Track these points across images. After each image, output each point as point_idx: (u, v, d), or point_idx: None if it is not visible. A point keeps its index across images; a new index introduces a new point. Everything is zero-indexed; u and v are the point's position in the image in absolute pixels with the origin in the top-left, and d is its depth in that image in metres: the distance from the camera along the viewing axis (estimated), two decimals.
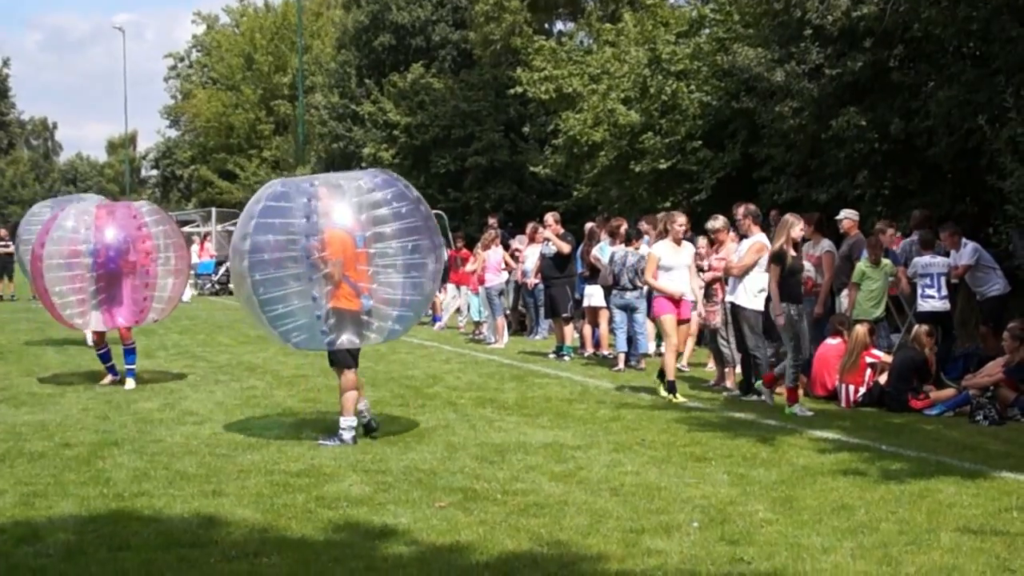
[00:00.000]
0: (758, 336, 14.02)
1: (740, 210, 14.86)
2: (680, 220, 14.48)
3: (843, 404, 13.52)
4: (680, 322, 14.21)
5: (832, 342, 14.27)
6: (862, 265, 14.73)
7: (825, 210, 17.65)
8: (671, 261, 14.16)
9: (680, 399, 13.69)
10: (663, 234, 14.55)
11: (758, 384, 13.92)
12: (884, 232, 16.07)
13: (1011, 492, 8.77)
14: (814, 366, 14.24)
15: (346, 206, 10.69)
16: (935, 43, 19.05)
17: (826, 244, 15.36)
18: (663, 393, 13.93)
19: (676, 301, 14.03)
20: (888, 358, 13.78)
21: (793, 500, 8.52)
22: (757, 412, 12.90)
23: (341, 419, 10.90)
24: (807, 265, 15.06)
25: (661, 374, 14.17)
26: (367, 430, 11.21)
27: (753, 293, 13.90)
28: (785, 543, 7.30)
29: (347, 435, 10.83)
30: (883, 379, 13.47)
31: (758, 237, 14.27)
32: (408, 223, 10.73)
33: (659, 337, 17.96)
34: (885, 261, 14.87)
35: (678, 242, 14.36)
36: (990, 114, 16.79)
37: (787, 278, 12.91)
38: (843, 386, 13.66)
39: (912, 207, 18.12)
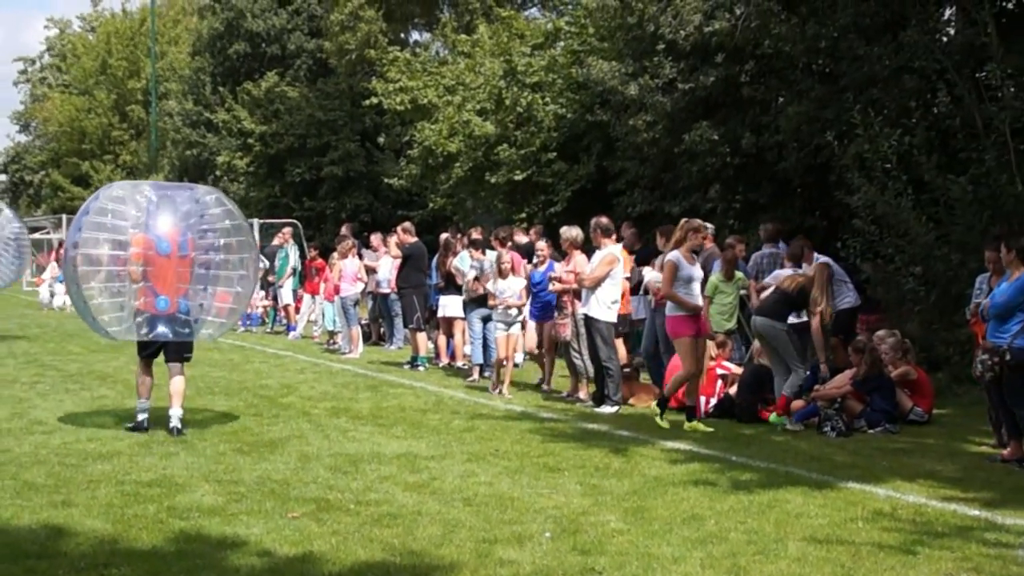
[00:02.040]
0: (611, 347, 14.12)
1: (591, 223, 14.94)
2: (703, 230, 13.64)
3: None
4: (699, 337, 12.96)
5: None
6: (715, 279, 14.84)
7: (678, 223, 17.81)
8: (691, 272, 12.93)
9: (705, 428, 12.59)
10: (679, 243, 13.12)
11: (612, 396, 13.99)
12: (735, 247, 16.29)
13: (856, 502, 8.95)
14: (667, 377, 14.38)
15: (132, 210, 11.40)
16: (785, 60, 19.49)
17: None
18: (685, 425, 12.64)
19: (695, 317, 12.89)
20: (738, 370, 13.98)
21: (645, 510, 8.59)
22: (610, 423, 12.99)
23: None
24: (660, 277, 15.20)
25: (661, 402, 13.02)
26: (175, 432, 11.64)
27: (606, 304, 14.00)
28: (636, 553, 7.36)
29: (139, 416, 11.82)
30: (734, 390, 13.66)
31: (610, 249, 14.34)
32: (224, 237, 11.66)
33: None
34: (738, 275, 15.06)
35: (694, 253, 13.36)
36: (838, 130, 17.20)
37: (797, 295, 13.22)
38: None
39: (763, 221, 18.42)
